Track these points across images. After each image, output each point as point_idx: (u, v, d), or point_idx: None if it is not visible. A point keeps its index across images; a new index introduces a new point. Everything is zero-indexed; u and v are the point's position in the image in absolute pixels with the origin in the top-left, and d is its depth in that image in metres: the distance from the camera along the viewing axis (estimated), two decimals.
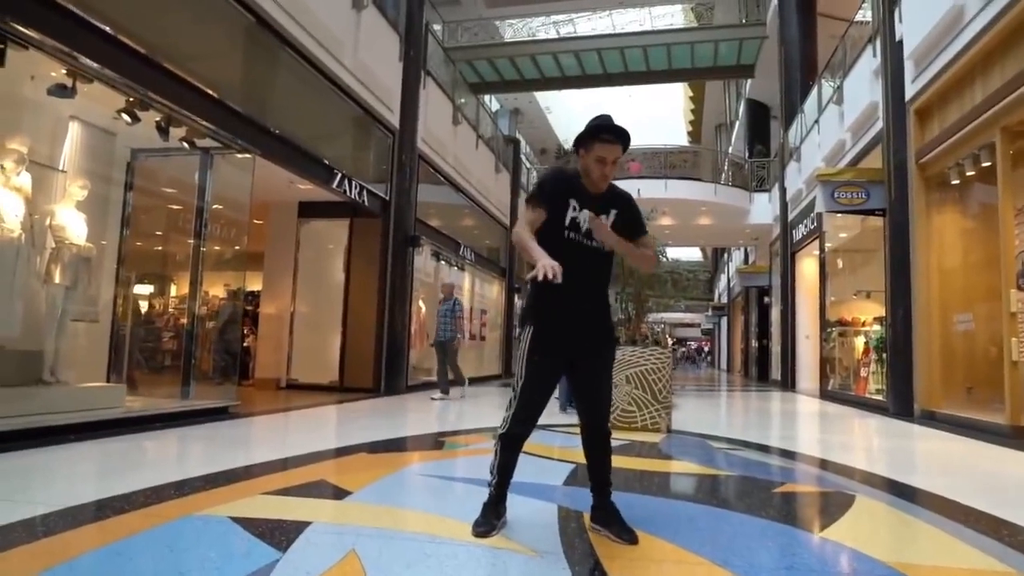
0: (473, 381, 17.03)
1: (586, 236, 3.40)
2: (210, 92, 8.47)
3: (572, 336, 3.42)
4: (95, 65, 6.86)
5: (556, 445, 6.78)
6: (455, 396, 12.63)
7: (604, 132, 3.39)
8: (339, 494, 4.37)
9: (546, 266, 3.06)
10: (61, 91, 6.90)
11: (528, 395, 3.42)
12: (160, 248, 10.06)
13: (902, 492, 5.02)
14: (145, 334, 9.77)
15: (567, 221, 3.39)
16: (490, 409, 11.03)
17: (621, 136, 3.40)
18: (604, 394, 3.52)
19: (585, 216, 3.39)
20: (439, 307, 12.81)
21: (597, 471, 3.56)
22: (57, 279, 7.48)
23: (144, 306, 10.20)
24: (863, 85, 13.65)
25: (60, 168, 7.86)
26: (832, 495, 4.90)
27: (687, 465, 6.09)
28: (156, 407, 7.79)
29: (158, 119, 7.93)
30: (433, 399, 12.00)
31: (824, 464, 6.30)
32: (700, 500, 4.70)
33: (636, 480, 5.15)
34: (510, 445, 3.49)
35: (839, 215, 13.95)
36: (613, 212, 3.48)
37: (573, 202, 3.39)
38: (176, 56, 7.94)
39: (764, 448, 7.26)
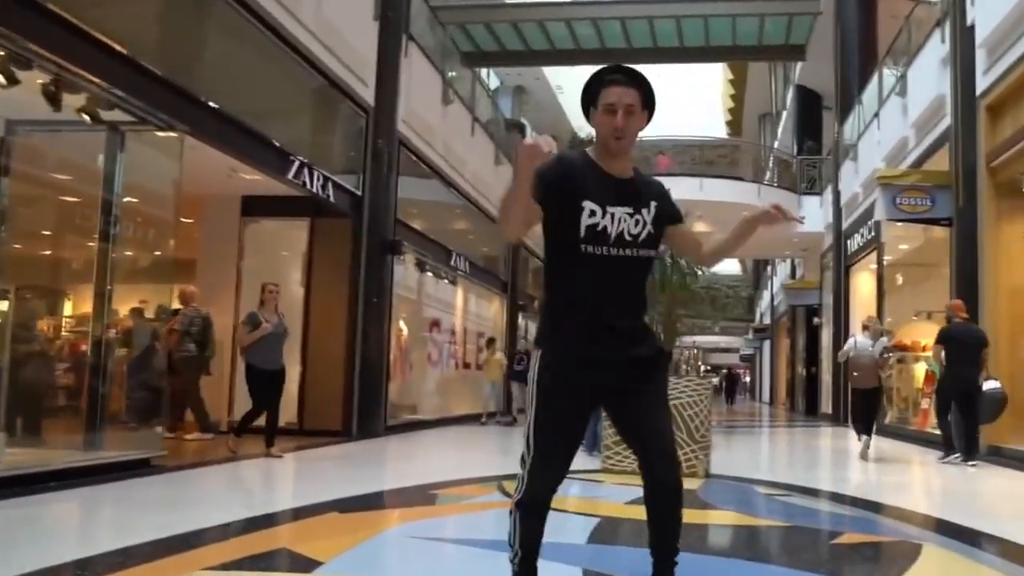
0: (470, 419, 18.52)
1: (617, 243, 3.21)
2: (117, 48, 8.04)
3: (601, 358, 3.23)
4: None
5: (572, 495, 7.02)
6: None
7: (610, 73, 3.30)
8: (306, 566, 4.33)
9: (528, 149, 2.86)
10: None
11: (544, 443, 3.26)
12: (49, 253, 9.87)
13: (972, 539, 5.33)
14: (31, 366, 9.33)
15: (582, 231, 3.18)
16: (491, 453, 11.81)
17: (634, 77, 3.27)
18: (663, 430, 3.36)
19: (612, 218, 3.20)
20: None
21: (661, 536, 3.37)
22: None
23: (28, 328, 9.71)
24: (929, 75, 14.29)
25: None
26: (895, 545, 5.19)
27: (730, 515, 6.46)
28: (50, 461, 7.56)
29: (44, 82, 7.45)
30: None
31: (883, 509, 6.74)
32: (746, 555, 4.99)
33: None
34: (531, 512, 3.32)
35: (900, 223, 14.71)
36: (653, 206, 3.31)
37: (588, 204, 3.18)
38: None
39: (814, 493, 7.85)
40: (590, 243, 3.18)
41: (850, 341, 12.36)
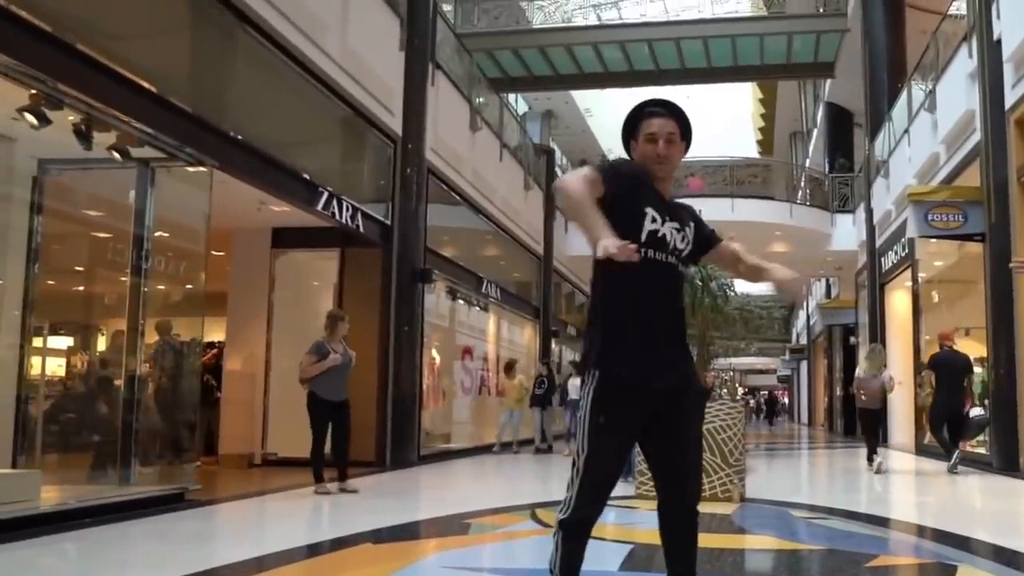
0: (506, 446, 18.20)
1: (673, 253, 3.34)
2: (146, 85, 8.07)
3: (655, 378, 3.28)
4: None
5: (608, 522, 6.95)
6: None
7: (649, 105, 3.46)
8: None
9: (612, 245, 2.87)
10: None
11: (596, 468, 3.30)
12: (82, 288, 9.86)
13: (1010, 560, 5.27)
14: (64, 402, 9.44)
15: (644, 234, 3.26)
16: (525, 481, 11.87)
17: (672, 109, 3.43)
18: (693, 458, 3.44)
19: (668, 231, 3.31)
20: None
21: (678, 564, 3.40)
22: None
23: (62, 365, 9.79)
24: (958, 90, 14.20)
25: None
26: (931, 567, 5.24)
27: (765, 539, 6.48)
28: (84, 498, 7.49)
29: (75, 120, 7.54)
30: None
31: (921, 531, 6.87)
32: None
33: (706, 559, 5.07)
34: (574, 533, 3.34)
35: (933, 240, 14.80)
36: (692, 225, 3.46)
37: (651, 211, 3.30)
38: (97, 36, 7.53)
39: (853, 516, 7.75)
40: (651, 247, 3.27)
41: (858, 371, 14.06)
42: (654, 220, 3.29)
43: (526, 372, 20.48)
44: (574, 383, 16.61)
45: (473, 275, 18.07)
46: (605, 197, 3.21)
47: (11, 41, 6.53)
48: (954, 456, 11.81)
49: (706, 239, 3.55)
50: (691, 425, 3.43)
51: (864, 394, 13.19)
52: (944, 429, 12.25)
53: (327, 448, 9.43)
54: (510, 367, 18.51)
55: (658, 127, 3.37)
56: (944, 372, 12.14)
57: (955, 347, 12.55)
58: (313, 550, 5.92)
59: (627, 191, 3.29)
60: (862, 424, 14.31)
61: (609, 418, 3.28)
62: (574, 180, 3.18)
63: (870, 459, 12.71)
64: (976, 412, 12.13)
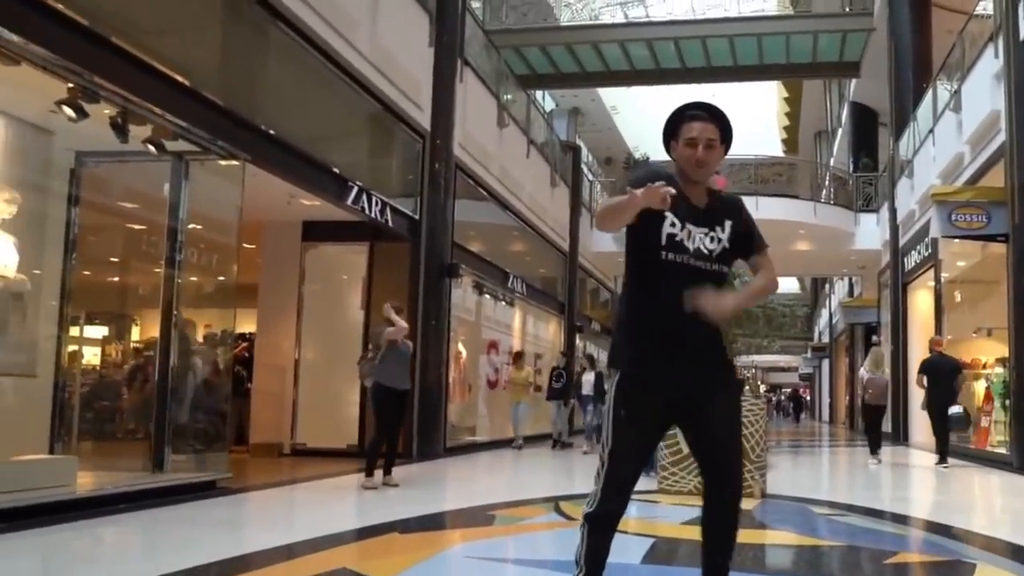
0: (529, 440, 17.92)
1: (696, 256, 3.34)
2: (180, 79, 8.12)
3: (677, 375, 3.34)
4: (16, 39, 6.33)
5: (631, 516, 6.84)
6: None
7: (692, 108, 3.46)
8: None
9: (650, 192, 3.01)
10: None
11: (619, 461, 3.36)
12: (117, 279, 9.91)
13: None
14: (99, 390, 9.48)
15: (663, 239, 3.33)
16: (549, 473, 11.78)
17: (714, 113, 3.44)
18: (733, 445, 3.47)
19: (689, 234, 3.36)
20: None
21: (715, 554, 3.42)
22: None
23: (97, 354, 9.83)
24: (983, 90, 14.13)
25: None
26: (950, 565, 5.24)
27: (786, 535, 6.53)
28: (119, 484, 7.56)
29: (112, 114, 7.57)
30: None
31: (941, 529, 6.81)
32: (797, 574, 5.17)
33: None
34: (600, 526, 3.39)
35: (956, 240, 14.75)
36: (728, 224, 3.45)
37: (670, 216, 3.33)
38: (134, 31, 7.57)
39: (873, 513, 7.75)
40: (670, 251, 3.32)
41: (861, 371, 15.56)
42: (673, 224, 3.32)
43: (549, 366, 20.34)
44: (587, 378, 16.62)
45: (499, 270, 18.12)
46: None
47: (49, 34, 6.57)
48: (944, 450, 12.98)
49: (747, 242, 3.52)
50: (723, 418, 3.42)
51: (869, 391, 14.54)
52: (938, 424, 13.29)
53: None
54: (518, 357, 18.10)
55: (698, 131, 3.38)
56: (934, 374, 13.14)
57: (944, 352, 13.72)
58: (341, 538, 5.91)
59: None
60: (866, 420, 15.44)
61: (629, 411, 3.35)
62: (605, 202, 3.32)
63: (873, 451, 14.02)
64: (954, 410, 13.16)
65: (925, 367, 13.43)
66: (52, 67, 6.74)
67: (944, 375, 13.09)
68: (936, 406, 13.09)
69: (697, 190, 3.43)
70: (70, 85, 7.07)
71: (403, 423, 9.53)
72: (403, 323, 9.18)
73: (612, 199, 3.30)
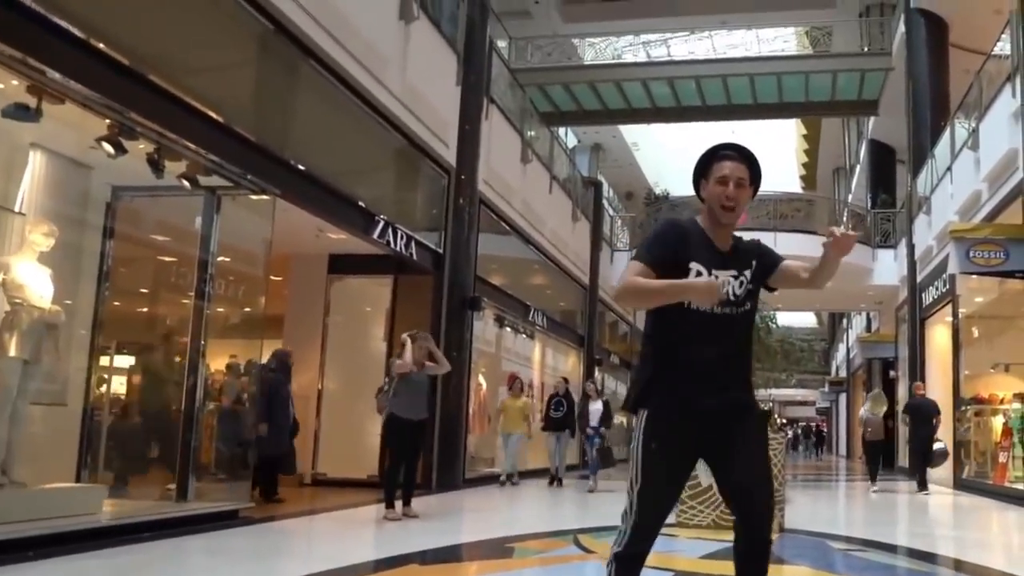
0: (545, 473, 17.12)
1: (722, 303, 3.30)
2: (214, 116, 8.18)
3: (703, 410, 3.29)
4: (60, 77, 6.42)
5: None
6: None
7: (723, 148, 3.46)
8: None
9: (706, 284, 3.12)
10: (22, 113, 6.59)
11: (650, 500, 3.32)
12: (147, 310, 10.01)
13: None
14: (127, 419, 9.54)
15: None
16: (568, 506, 11.77)
17: (744, 154, 3.44)
18: (763, 482, 3.36)
19: (721, 282, 3.26)
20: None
21: None
22: (12, 351, 7.00)
23: (124, 383, 9.86)
24: (1001, 129, 14.11)
25: (17, 210, 7.60)
26: None
27: (803, 571, 6.41)
28: (144, 512, 7.59)
29: (149, 150, 7.64)
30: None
31: (958, 565, 6.79)
32: None
33: None
34: (629, 566, 3.34)
35: (974, 276, 14.75)
36: (753, 264, 3.44)
37: (696, 266, 3.30)
38: (171, 69, 7.64)
39: (889, 548, 7.76)
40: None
41: (862, 411, 17.59)
42: (699, 274, 3.27)
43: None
44: (595, 407, 15.02)
45: (520, 303, 18.04)
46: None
47: (91, 73, 6.65)
48: (923, 479, 14.85)
49: (771, 266, 3.48)
50: (749, 450, 3.36)
51: (869, 429, 16.68)
52: (920, 457, 15.19)
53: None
54: (514, 380, 15.85)
55: (730, 170, 3.36)
56: (916, 414, 15.10)
57: (924, 395, 15.62)
58: (361, 569, 5.90)
59: (672, 254, 3.29)
60: (867, 454, 17.31)
61: (660, 444, 3.29)
62: (631, 282, 3.23)
63: (873, 479, 15.95)
64: (938, 445, 15.16)
65: (909, 408, 15.46)
66: (93, 104, 6.82)
67: (924, 415, 14.91)
68: (919, 441, 14.94)
69: (723, 234, 3.40)
70: (109, 122, 7.11)
71: (419, 453, 9.40)
72: (408, 356, 9.01)
73: (640, 281, 3.23)
